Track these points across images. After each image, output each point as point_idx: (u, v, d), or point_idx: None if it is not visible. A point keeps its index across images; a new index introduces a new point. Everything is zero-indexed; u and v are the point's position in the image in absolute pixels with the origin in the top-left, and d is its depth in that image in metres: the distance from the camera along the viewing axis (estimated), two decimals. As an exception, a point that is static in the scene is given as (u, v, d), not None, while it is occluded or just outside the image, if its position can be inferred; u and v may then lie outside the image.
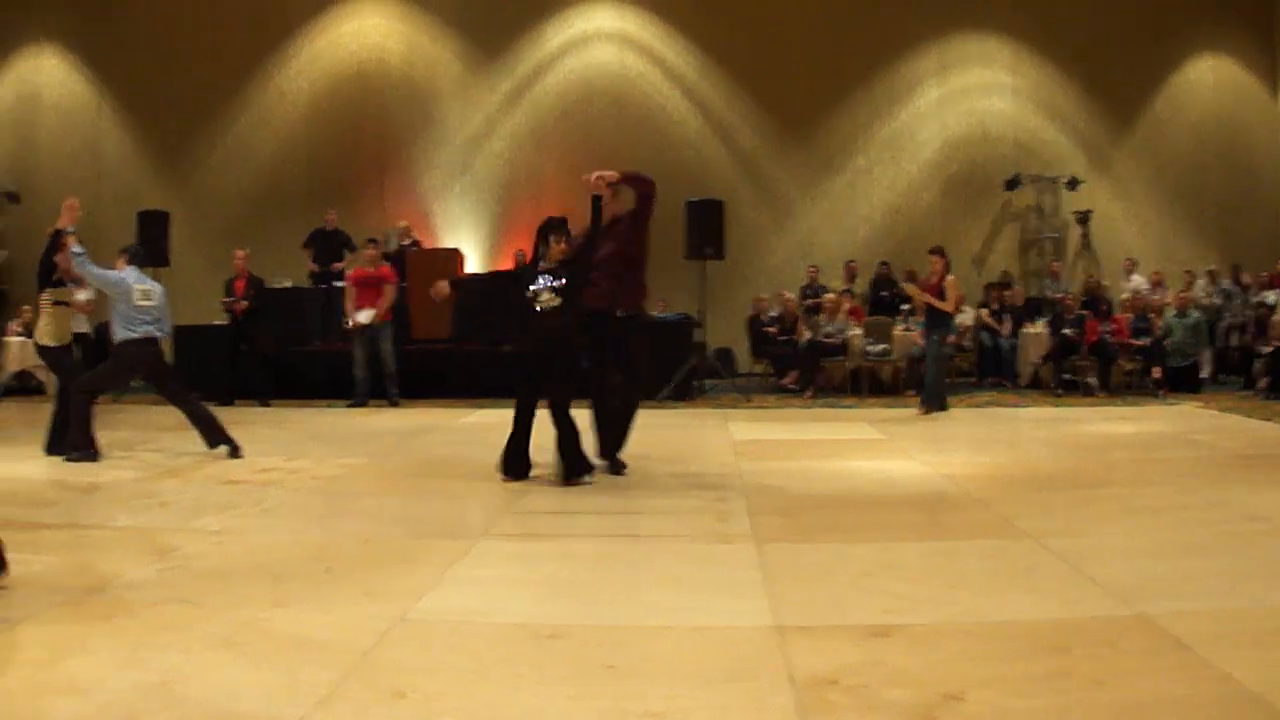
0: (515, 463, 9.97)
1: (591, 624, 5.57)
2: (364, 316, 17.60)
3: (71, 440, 11.74)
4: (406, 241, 21.05)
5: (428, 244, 23.10)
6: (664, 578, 6.51)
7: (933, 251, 16.45)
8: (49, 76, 25.80)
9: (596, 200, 10.26)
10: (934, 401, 15.89)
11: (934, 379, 16.02)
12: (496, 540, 7.66)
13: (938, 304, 15.89)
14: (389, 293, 17.85)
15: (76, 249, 11.21)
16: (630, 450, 10.58)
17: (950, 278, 15.96)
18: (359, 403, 17.52)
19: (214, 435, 11.88)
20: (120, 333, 11.80)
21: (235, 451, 11.75)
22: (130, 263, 12.03)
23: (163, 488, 9.86)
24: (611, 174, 10.27)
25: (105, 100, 25.70)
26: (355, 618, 5.63)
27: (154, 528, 8.05)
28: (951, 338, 18.17)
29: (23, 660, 5.02)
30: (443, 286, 10.33)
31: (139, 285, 11.85)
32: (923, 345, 17.85)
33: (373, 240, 19.18)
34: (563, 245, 9.99)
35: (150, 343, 11.93)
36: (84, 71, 25.73)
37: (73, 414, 11.56)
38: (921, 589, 6.15)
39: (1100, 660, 4.86)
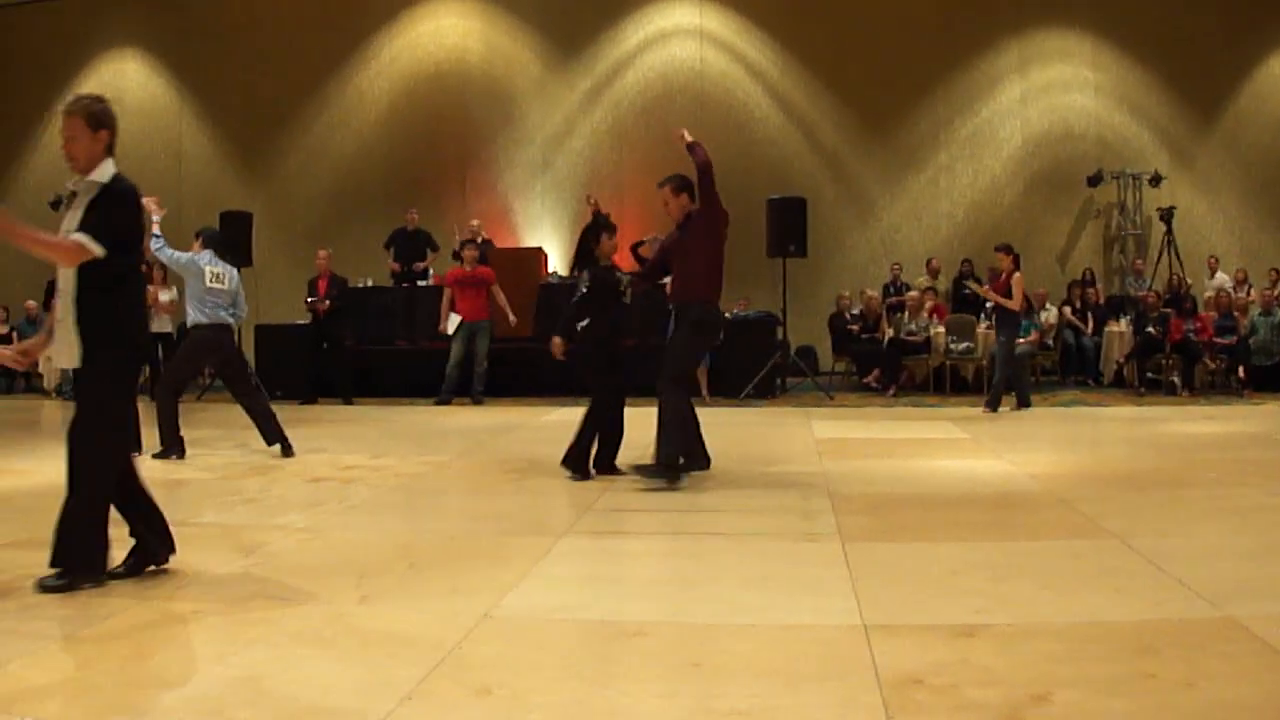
0: (586, 461, 10.07)
1: (677, 621, 5.58)
2: (451, 324, 17.79)
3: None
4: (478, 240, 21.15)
5: (510, 243, 23.24)
6: (749, 576, 6.50)
7: (1000, 249, 16.34)
8: (131, 80, 26.11)
9: (598, 216, 10.58)
10: (996, 403, 15.83)
11: (1000, 380, 15.90)
12: (581, 537, 7.68)
13: (1005, 302, 15.78)
14: (500, 294, 18.01)
15: (156, 232, 11.27)
16: (711, 448, 10.56)
17: (1017, 275, 15.85)
18: (444, 400, 17.63)
19: (271, 433, 11.95)
20: (192, 315, 11.92)
21: (287, 450, 11.84)
22: (205, 246, 12.09)
23: (247, 485, 9.97)
24: (686, 136, 10.32)
25: (186, 103, 26.01)
26: (441, 614, 5.65)
27: (239, 524, 8.13)
28: (1033, 336, 18.10)
29: (112, 654, 5.08)
30: (558, 345, 10.37)
31: (210, 267, 11.88)
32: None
33: (471, 241, 19.30)
34: (614, 242, 10.15)
35: (223, 329, 11.99)
36: (165, 75, 26.05)
37: (158, 412, 11.66)
38: (1007, 589, 6.12)
39: (1188, 662, 4.81)
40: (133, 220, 6.42)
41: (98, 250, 6.08)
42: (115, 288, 6.25)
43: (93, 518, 6.14)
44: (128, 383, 6.41)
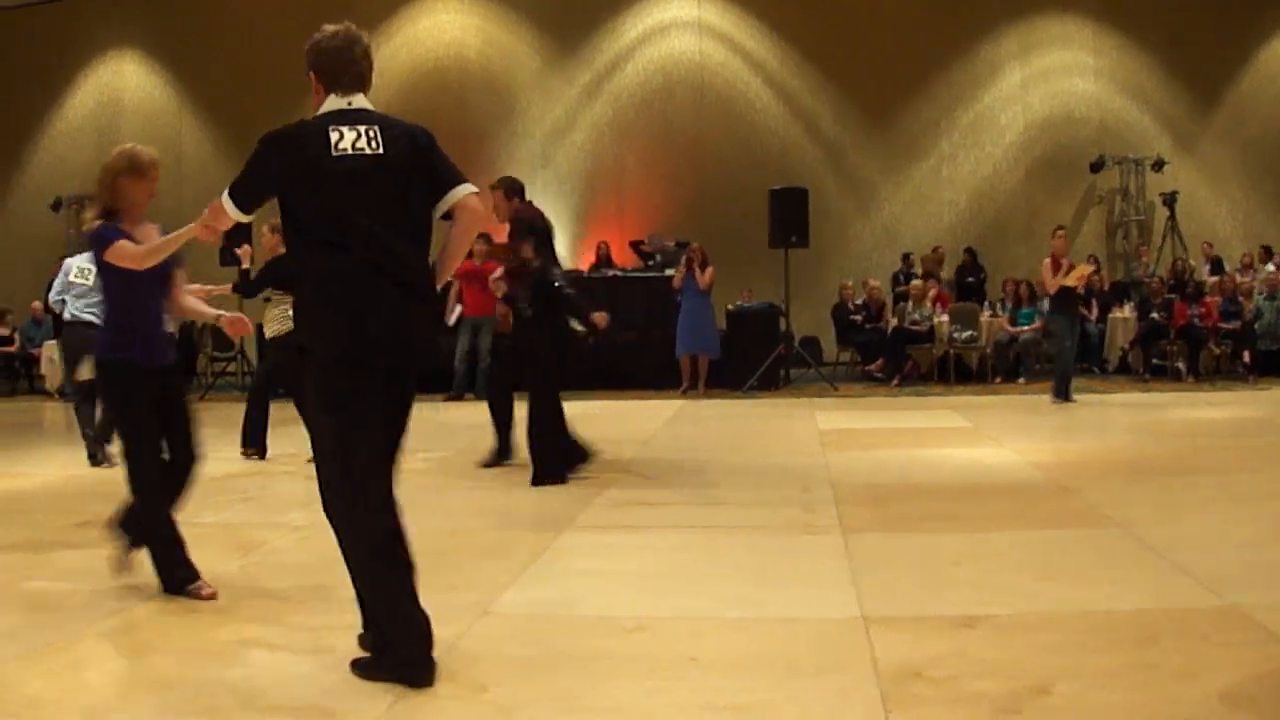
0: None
1: (675, 616, 5.58)
2: (452, 317, 17.79)
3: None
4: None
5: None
6: (749, 569, 6.49)
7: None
8: (129, 81, 26.01)
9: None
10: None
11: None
12: (581, 532, 7.69)
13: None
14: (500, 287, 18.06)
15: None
16: (713, 440, 10.58)
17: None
18: (456, 395, 17.60)
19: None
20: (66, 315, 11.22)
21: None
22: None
23: (248, 484, 9.94)
24: None
25: (185, 104, 25.88)
26: (439, 610, 5.59)
27: (239, 523, 8.12)
28: (1036, 323, 18.14)
29: (108, 654, 5.09)
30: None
31: (80, 264, 10.86)
32: (1010, 331, 17.89)
33: (483, 235, 19.29)
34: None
35: (80, 326, 10.84)
36: (163, 75, 25.93)
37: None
38: (1009, 579, 6.10)
39: (1189, 652, 4.79)
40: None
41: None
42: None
43: None
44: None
